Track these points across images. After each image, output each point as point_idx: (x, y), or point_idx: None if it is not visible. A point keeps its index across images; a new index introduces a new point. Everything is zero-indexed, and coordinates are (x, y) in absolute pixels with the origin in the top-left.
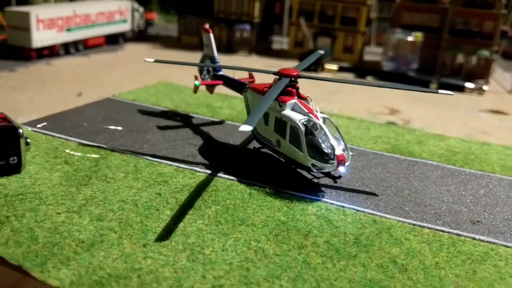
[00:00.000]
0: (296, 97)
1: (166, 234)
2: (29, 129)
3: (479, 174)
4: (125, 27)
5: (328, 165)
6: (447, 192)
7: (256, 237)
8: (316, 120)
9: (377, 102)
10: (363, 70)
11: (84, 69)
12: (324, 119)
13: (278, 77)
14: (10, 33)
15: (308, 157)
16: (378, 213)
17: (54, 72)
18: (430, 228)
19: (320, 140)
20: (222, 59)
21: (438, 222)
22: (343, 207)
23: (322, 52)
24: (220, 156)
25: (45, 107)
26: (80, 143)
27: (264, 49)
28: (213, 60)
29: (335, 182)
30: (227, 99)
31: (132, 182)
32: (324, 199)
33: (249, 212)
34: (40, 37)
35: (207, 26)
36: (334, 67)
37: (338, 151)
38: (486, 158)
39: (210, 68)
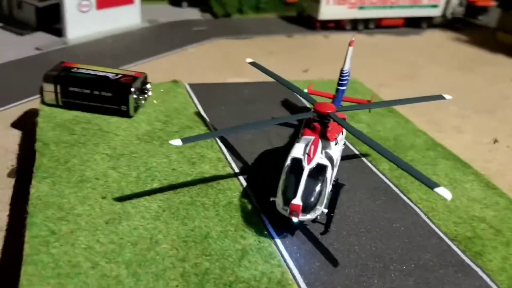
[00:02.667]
0: (317, 135)
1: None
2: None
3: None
4: (433, 11)
5: (280, 207)
6: None
7: (174, 233)
8: (304, 164)
9: None
10: None
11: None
12: (318, 167)
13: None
14: (307, 2)
15: (277, 192)
16: (299, 281)
17: (312, 45)
18: None
19: (291, 182)
20: None
21: None
22: (282, 256)
23: None
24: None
25: (199, 78)
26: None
27: None
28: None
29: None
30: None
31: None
32: (276, 239)
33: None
34: (328, 11)
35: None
36: None
37: (297, 201)
38: None
39: None
